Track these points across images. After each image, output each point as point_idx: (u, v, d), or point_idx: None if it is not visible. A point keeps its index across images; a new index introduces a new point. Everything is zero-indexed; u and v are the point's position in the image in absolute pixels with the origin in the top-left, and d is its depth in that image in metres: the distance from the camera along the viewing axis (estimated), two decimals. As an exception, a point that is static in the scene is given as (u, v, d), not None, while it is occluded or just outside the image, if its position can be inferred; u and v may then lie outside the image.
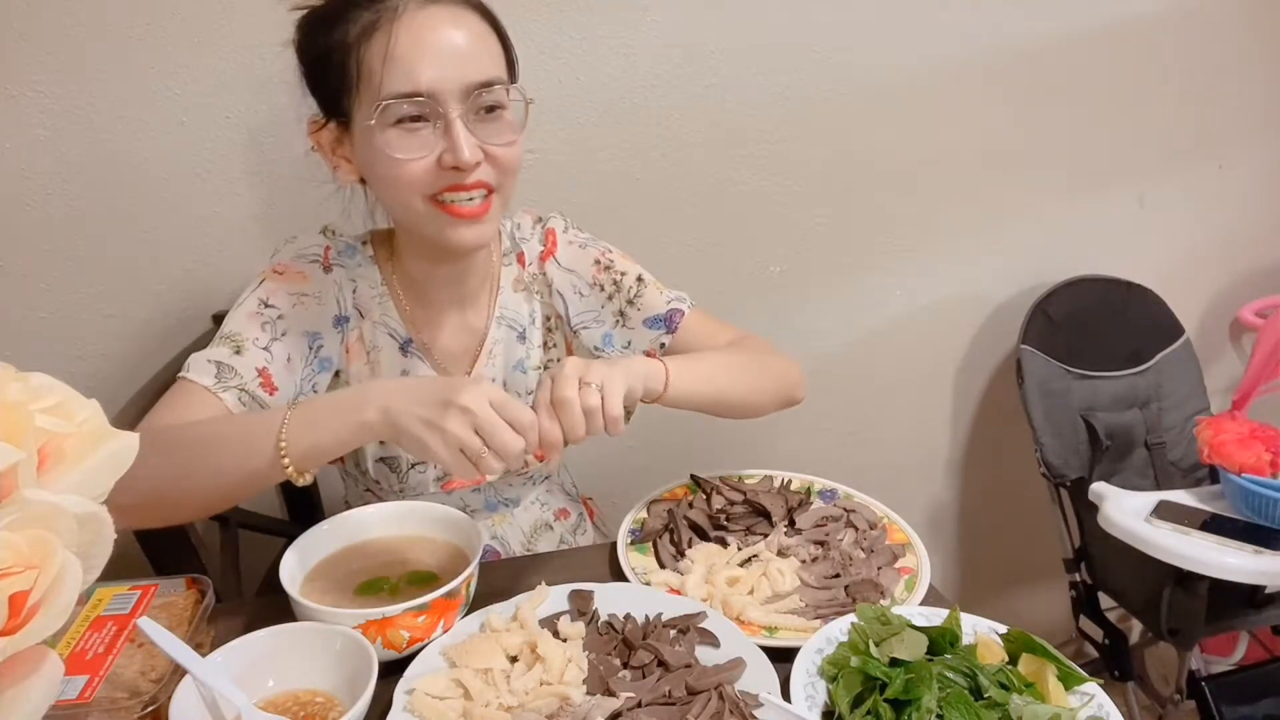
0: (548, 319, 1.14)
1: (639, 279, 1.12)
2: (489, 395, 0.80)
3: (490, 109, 0.92)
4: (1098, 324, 1.75)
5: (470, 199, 0.93)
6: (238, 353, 0.96)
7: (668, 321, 1.11)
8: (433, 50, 0.88)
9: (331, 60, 0.91)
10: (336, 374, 1.08)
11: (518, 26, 1.35)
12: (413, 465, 1.08)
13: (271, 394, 0.96)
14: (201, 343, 1.25)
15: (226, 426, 0.90)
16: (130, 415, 1.05)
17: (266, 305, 0.99)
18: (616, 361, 0.90)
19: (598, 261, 1.12)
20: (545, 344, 1.14)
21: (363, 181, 1.00)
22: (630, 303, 1.11)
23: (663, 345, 1.11)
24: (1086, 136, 1.73)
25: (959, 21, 1.57)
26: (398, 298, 1.07)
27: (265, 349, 0.97)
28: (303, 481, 0.85)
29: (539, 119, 1.41)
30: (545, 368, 1.13)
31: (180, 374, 0.95)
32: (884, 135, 1.61)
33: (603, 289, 1.12)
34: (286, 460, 0.83)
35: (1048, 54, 1.64)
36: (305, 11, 0.94)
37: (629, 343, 1.12)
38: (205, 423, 0.90)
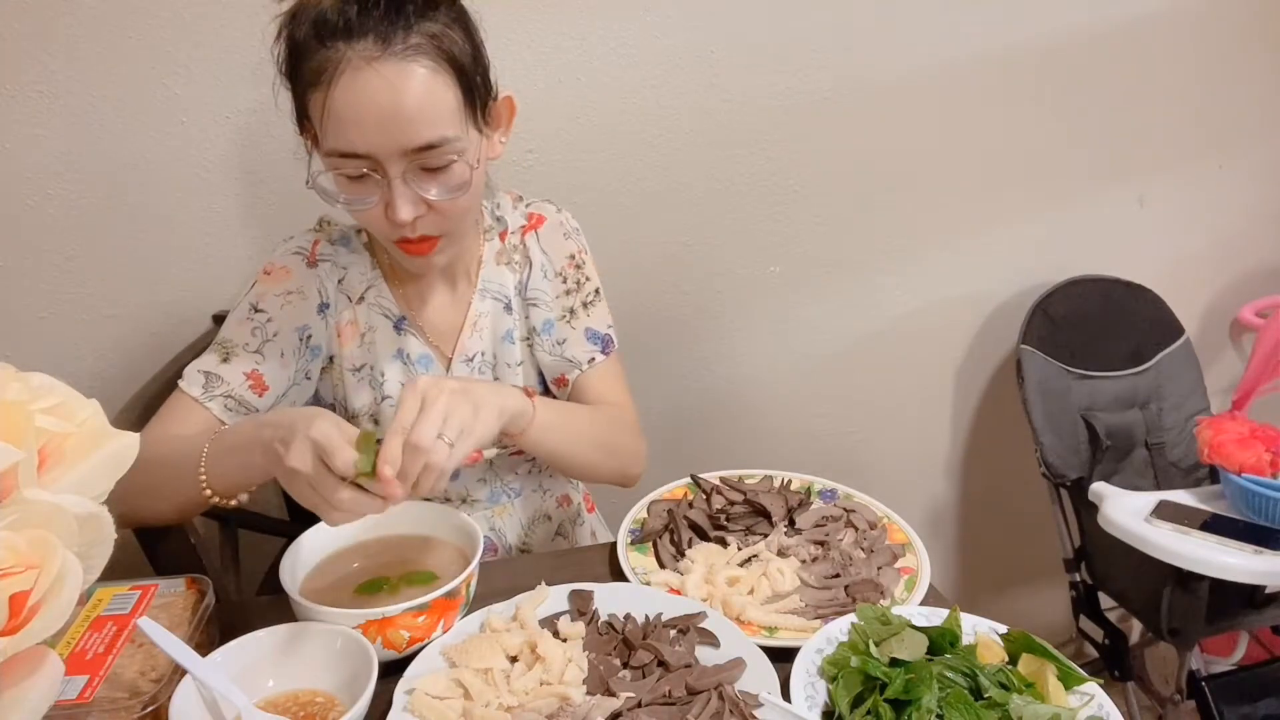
0: (522, 287, 1.15)
1: (597, 290, 1.17)
2: (315, 440, 0.76)
3: (434, 167, 0.91)
4: (1098, 324, 1.75)
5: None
6: (225, 360, 1.02)
7: (605, 344, 1.15)
8: (369, 114, 0.87)
9: (294, 86, 0.92)
10: (331, 359, 1.11)
11: (518, 27, 1.37)
12: None
13: (261, 394, 1.02)
14: (202, 343, 1.26)
15: (175, 448, 0.93)
16: (130, 415, 1.06)
17: (256, 310, 1.05)
18: (487, 394, 0.87)
19: (572, 257, 1.15)
20: (526, 315, 1.15)
21: None
22: (584, 306, 1.15)
23: (592, 360, 1.14)
24: (1086, 136, 1.73)
25: (959, 22, 1.57)
26: (391, 278, 1.10)
27: (256, 351, 1.03)
28: (234, 503, 0.90)
29: (539, 119, 1.42)
30: (529, 339, 1.14)
31: (180, 381, 1.01)
32: (884, 135, 1.61)
33: (565, 280, 1.14)
34: (207, 489, 0.88)
35: (1048, 54, 1.64)
36: (278, 23, 0.92)
37: (564, 340, 1.14)
38: (167, 440, 0.95)
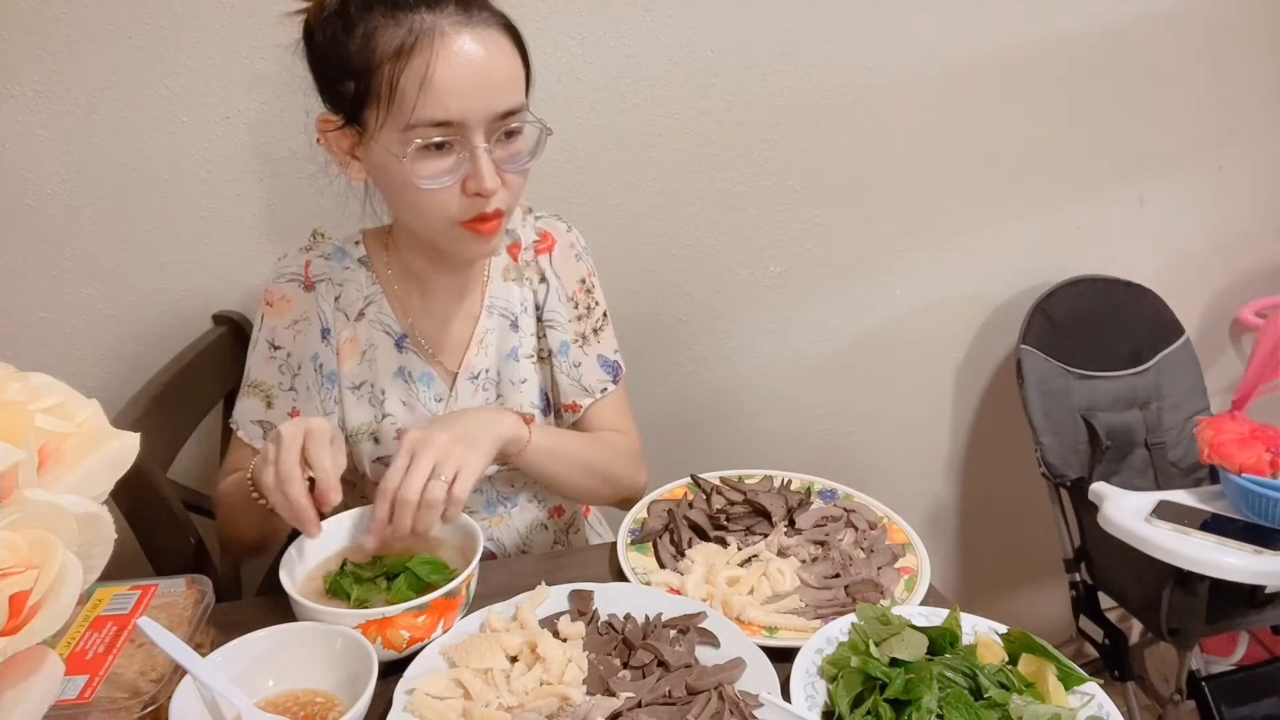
0: (538, 308, 1.15)
1: (604, 314, 1.18)
2: (310, 428, 0.84)
3: (509, 134, 0.93)
4: (1098, 324, 1.75)
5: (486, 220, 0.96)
6: (269, 405, 1.06)
7: (615, 371, 1.17)
8: (468, 79, 0.88)
9: (353, 71, 0.89)
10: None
11: (518, 25, 1.36)
12: None
13: None
14: (202, 343, 1.26)
15: (237, 481, 0.99)
16: (130, 415, 1.05)
17: (275, 347, 1.07)
18: (482, 427, 0.93)
19: (583, 280, 1.16)
20: (539, 334, 1.15)
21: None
22: (594, 332, 1.16)
23: (604, 389, 1.15)
24: (1087, 136, 1.73)
25: (960, 22, 1.57)
26: (392, 294, 1.09)
27: (290, 389, 1.07)
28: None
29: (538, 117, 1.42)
30: (539, 357, 1.14)
31: (232, 427, 1.08)
32: (884, 135, 1.61)
33: (577, 306, 1.15)
34: (254, 492, 0.90)
35: (1047, 55, 1.64)
36: (314, 10, 0.92)
37: (579, 364, 1.15)
38: (229, 482, 1.03)
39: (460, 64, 0.87)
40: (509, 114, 0.91)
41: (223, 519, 1.04)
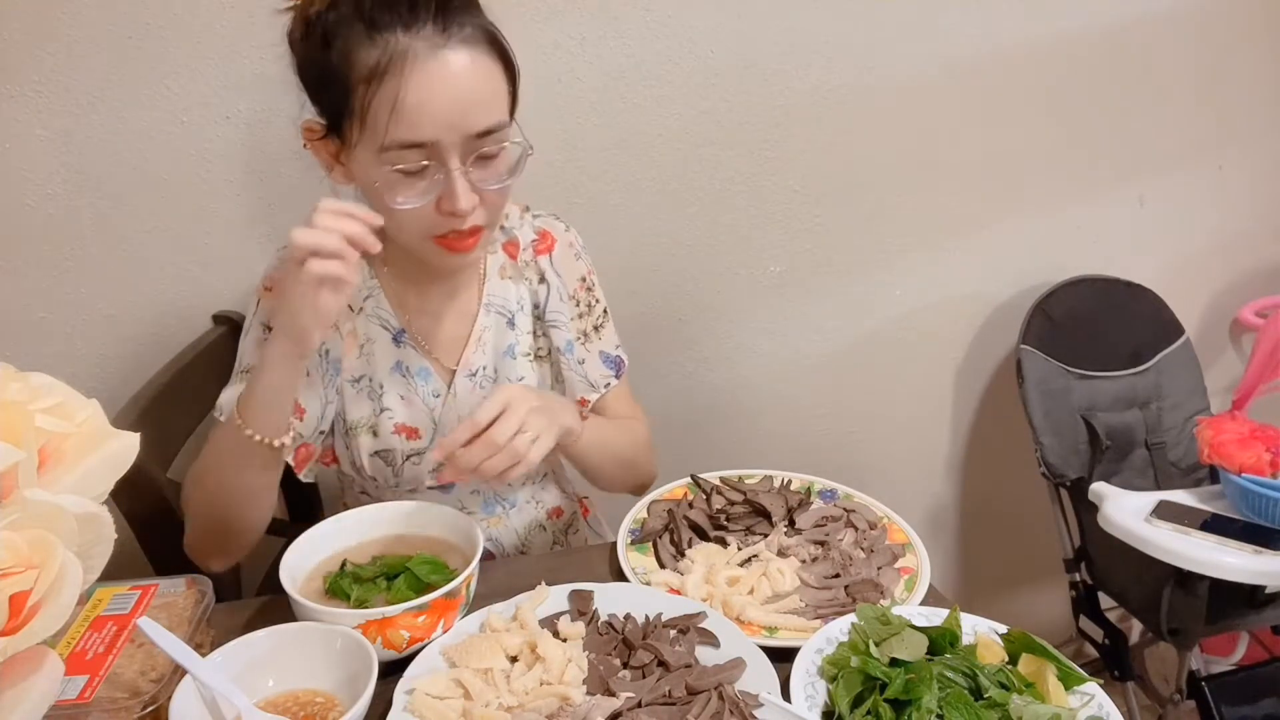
0: (536, 306, 1.14)
1: (605, 311, 1.18)
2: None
3: (489, 153, 0.92)
4: (1098, 324, 1.75)
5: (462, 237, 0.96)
6: None
7: (617, 366, 1.18)
8: (442, 102, 0.87)
9: (332, 85, 0.89)
10: None
11: (517, 25, 1.35)
12: (407, 458, 1.09)
13: (300, 417, 1.02)
14: (202, 343, 1.26)
15: (215, 439, 0.97)
16: (130, 415, 1.05)
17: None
18: (558, 411, 0.98)
19: (583, 279, 1.16)
20: (535, 332, 1.15)
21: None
22: (596, 329, 1.17)
23: (608, 384, 1.16)
24: (1087, 136, 1.73)
25: (959, 22, 1.57)
26: (389, 290, 1.09)
27: None
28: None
29: (538, 118, 1.41)
30: (535, 355, 1.14)
31: (216, 415, 1.02)
32: (884, 135, 1.61)
33: (578, 304, 1.15)
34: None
35: (1047, 54, 1.64)
36: (297, 19, 0.91)
37: (582, 360, 1.15)
38: (207, 449, 0.98)
39: (431, 86, 0.86)
40: (487, 133, 0.90)
41: (200, 504, 0.98)
